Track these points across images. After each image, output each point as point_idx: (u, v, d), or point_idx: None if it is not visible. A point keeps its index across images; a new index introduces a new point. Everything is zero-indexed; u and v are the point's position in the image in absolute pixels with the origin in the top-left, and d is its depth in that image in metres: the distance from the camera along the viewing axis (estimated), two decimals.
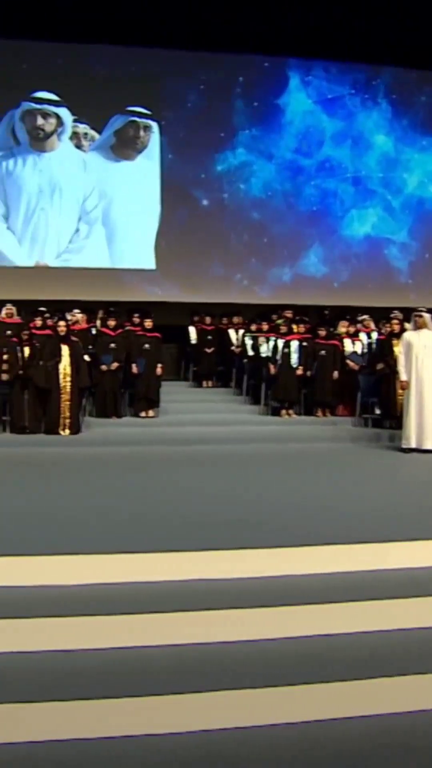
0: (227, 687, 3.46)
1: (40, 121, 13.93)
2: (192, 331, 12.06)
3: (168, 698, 3.39)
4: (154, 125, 14.12)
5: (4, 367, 9.23)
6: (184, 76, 13.96)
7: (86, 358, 9.72)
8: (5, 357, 9.27)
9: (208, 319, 12.07)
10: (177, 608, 3.94)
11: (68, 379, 9.26)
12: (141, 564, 4.35)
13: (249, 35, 13.19)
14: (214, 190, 14.39)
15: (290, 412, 10.36)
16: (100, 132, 14.05)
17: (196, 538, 4.66)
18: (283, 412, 10.31)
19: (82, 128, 14.05)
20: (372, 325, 11.35)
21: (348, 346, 10.72)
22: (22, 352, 9.31)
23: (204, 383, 11.94)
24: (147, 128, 14.15)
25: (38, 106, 13.88)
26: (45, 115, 13.95)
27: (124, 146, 14.17)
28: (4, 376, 9.22)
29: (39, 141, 13.98)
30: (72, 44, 13.52)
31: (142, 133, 14.16)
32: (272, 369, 10.23)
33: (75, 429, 9.23)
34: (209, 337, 11.87)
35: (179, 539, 4.64)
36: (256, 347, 10.91)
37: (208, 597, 4.06)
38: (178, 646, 3.76)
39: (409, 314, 9.14)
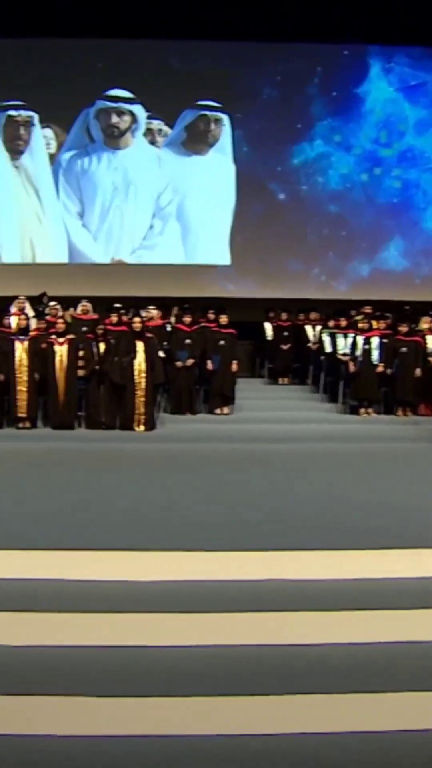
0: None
1: (114, 118, 13.97)
2: (268, 328, 11.80)
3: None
4: (225, 118, 13.95)
5: (80, 363, 9.23)
6: (260, 67, 13.72)
7: (161, 354, 9.63)
8: (81, 353, 9.27)
9: (284, 315, 11.81)
10: (262, 608, 3.81)
11: (143, 375, 9.18)
12: (213, 563, 4.23)
13: (328, 24, 12.85)
14: (290, 183, 14.10)
15: (369, 410, 10.02)
16: (173, 127, 13.99)
17: (263, 538, 4.51)
18: (362, 410, 9.98)
19: (156, 124, 14.02)
20: None
21: (431, 343, 10.28)
22: (98, 348, 9.29)
23: (279, 380, 11.70)
24: (218, 121, 14.00)
25: (112, 104, 13.93)
26: (119, 113, 13.98)
27: (196, 141, 14.07)
28: (81, 372, 9.22)
29: (113, 138, 14.02)
30: (145, 40, 13.50)
31: (212, 126, 14.02)
32: (352, 366, 9.91)
33: (149, 425, 9.15)
34: (285, 334, 11.60)
35: (250, 539, 4.50)
36: (334, 344, 10.59)
37: (288, 597, 3.91)
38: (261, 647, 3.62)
39: None
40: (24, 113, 14.00)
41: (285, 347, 11.56)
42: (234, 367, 10.00)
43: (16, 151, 14.09)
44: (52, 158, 14.07)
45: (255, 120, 13.91)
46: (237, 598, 3.97)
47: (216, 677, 3.45)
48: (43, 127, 14.05)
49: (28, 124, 14.05)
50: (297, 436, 9.02)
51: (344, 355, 10.12)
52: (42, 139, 14.07)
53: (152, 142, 14.05)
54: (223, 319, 10.19)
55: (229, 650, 3.64)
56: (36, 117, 14.01)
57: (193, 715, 3.29)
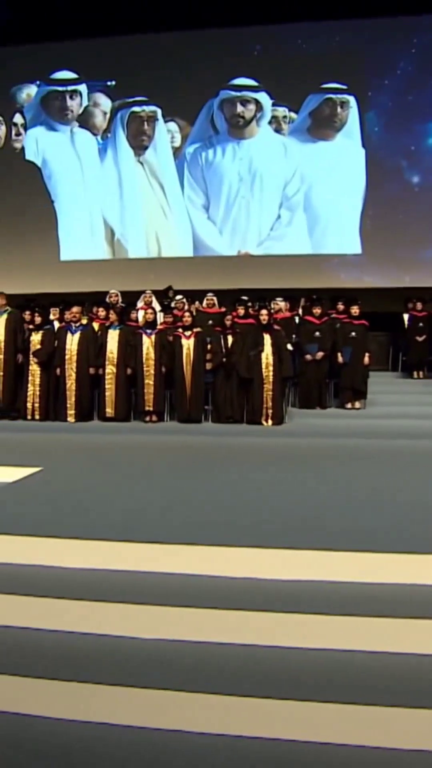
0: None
1: (239, 108, 13.80)
2: (406, 318, 11.16)
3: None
4: (352, 100, 13.40)
5: (208, 356, 9.08)
6: (393, 42, 13.08)
7: (289, 347, 9.32)
8: (209, 346, 9.11)
9: (419, 305, 11.13)
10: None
11: (271, 368, 8.91)
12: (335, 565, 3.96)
13: None
14: (426, 165, 13.36)
15: None
16: (298, 114, 13.60)
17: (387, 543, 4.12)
18: None
19: (281, 111, 13.69)
20: None
21: None
22: (226, 340, 9.09)
23: (415, 374, 11.05)
24: (344, 104, 13.50)
25: (237, 93, 13.73)
26: (244, 102, 13.77)
27: (322, 126, 13.67)
28: (208, 365, 9.07)
29: (238, 128, 13.83)
30: (268, 26, 13.21)
31: (339, 110, 13.55)
32: None
33: (278, 419, 8.87)
34: (421, 325, 10.94)
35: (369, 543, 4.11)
36: None
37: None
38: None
39: None
40: (147, 108, 14.11)
41: (420, 339, 10.90)
42: (366, 359, 9.55)
43: (140, 146, 14.24)
44: (176, 152, 14.05)
45: (388, 97, 13.33)
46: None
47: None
48: (166, 121, 14.10)
49: (152, 119, 14.15)
50: None
51: None
52: (166, 133, 14.12)
53: (278, 130, 13.74)
54: (355, 309, 9.73)
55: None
56: (159, 111, 14.07)
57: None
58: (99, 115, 14.41)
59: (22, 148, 14.66)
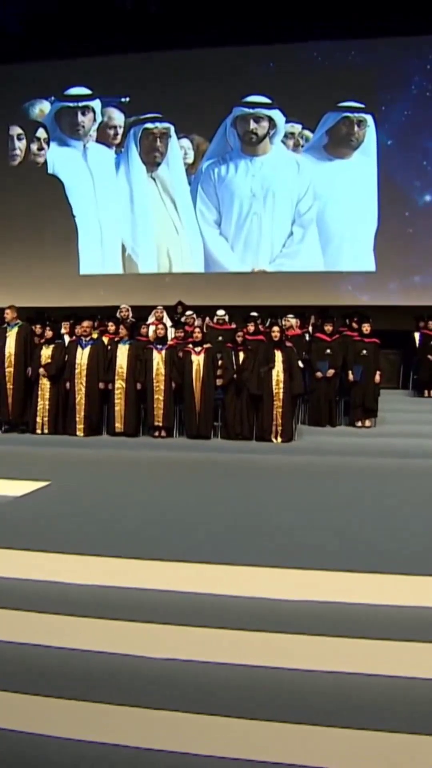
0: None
1: (252, 125, 13.87)
2: (417, 337, 11.11)
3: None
4: (369, 119, 13.46)
5: (219, 372, 9.05)
6: (406, 60, 13.14)
7: (300, 364, 9.27)
8: (219, 362, 9.09)
9: (431, 324, 11.08)
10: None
11: (281, 385, 8.87)
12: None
13: None
14: None
15: None
16: (314, 131, 13.63)
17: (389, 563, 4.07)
18: None
19: (297, 128, 13.74)
20: None
21: None
22: (237, 357, 9.07)
23: (426, 392, 10.99)
24: (361, 123, 13.55)
25: (250, 110, 13.80)
26: (257, 119, 13.84)
27: (339, 144, 13.71)
28: (219, 381, 9.04)
29: (251, 145, 13.90)
30: (281, 45, 13.29)
31: (356, 128, 13.60)
32: None
33: (287, 437, 8.82)
34: None
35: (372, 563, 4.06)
36: None
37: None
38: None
39: None
40: (160, 125, 14.18)
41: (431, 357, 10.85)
42: (377, 377, 9.49)
43: (152, 163, 14.31)
44: (189, 168, 14.11)
45: (401, 114, 13.36)
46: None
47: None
48: (180, 138, 14.17)
49: (165, 135, 14.21)
50: None
51: None
52: (179, 149, 14.18)
53: (295, 147, 13.78)
54: (366, 327, 9.67)
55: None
56: (172, 128, 14.15)
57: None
58: (112, 131, 14.52)
59: (45, 162, 14.77)
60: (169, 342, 9.42)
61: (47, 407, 9.10)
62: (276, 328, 9.18)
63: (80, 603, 3.89)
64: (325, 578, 3.96)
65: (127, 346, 9.28)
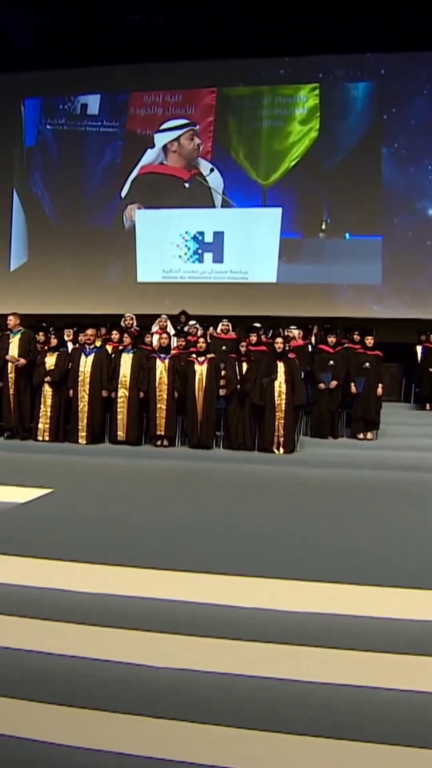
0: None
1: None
2: (419, 350, 11.14)
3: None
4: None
5: (222, 382, 9.06)
6: (409, 77, 13.22)
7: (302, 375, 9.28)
8: (222, 372, 9.10)
9: None
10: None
11: (283, 397, 8.88)
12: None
13: None
14: None
15: None
16: None
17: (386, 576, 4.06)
18: None
19: None
20: None
21: None
22: (240, 367, 9.08)
23: (428, 405, 11.01)
24: None
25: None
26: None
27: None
28: (222, 392, 9.04)
29: None
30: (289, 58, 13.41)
31: None
32: None
33: (289, 448, 8.83)
34: None
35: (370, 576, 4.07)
36: None
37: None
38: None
39: None
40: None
41: None
42: (379, 390, 9.50)
43: None
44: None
45: (401, 130, 13.40)
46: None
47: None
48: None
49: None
50: None
51: None
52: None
53: None
54: (369, 340, 9.69)
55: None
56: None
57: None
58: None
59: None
60: (173, 351, 9.44)
61: (50, 414, 9.12)
62: (280, 339, 9.21)
63: (82, 611, 3.89)
64: (328, 590, 3.95)
65: (130, 355, 9.30)
